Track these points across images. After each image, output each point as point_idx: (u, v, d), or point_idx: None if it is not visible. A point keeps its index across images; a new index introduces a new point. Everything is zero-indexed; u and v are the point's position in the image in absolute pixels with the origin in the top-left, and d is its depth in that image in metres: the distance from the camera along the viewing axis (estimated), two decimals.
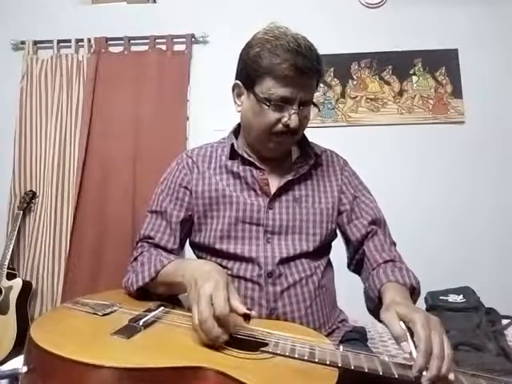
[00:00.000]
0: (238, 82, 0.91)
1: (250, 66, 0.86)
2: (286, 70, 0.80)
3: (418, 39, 2.31)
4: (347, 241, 0.98)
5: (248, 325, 0.66)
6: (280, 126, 0.86)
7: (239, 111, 0.94)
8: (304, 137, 0.99)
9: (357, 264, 0.96)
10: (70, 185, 2.27)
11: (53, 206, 2.24)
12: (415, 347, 0.58)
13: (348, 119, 2.31)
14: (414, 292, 0.81)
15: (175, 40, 2.38)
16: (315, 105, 0.90)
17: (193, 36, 2.37)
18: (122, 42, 2.39)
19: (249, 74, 0.86)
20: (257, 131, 0.89)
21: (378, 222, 0.95)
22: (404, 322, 0.62)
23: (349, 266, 1.01)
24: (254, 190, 0.92)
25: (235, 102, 0.94)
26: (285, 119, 0.85)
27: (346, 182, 0.99)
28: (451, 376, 0.56)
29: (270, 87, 0.83)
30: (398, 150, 2.26)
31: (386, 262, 0.88)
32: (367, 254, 0.91)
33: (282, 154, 0.95)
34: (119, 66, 2.36)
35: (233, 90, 0.93)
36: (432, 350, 0.57)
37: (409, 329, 0.61)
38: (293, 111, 0.84)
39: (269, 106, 0.84)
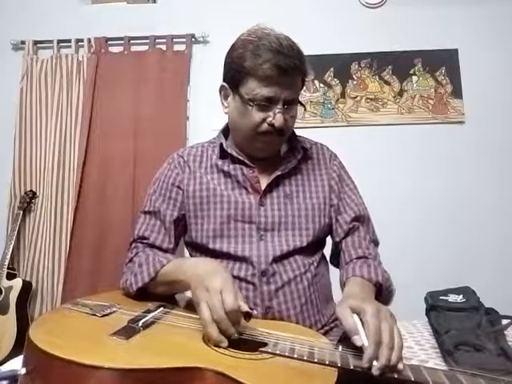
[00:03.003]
0: (224, 84, 0.92)
1: (234, 67, 0.87)
2: (267, 70, 0.81)
3: (418, 39, 2.31)
4: (331, 235, 0.99)
5: (247, 324, 0.66)
6: (265, 125, 0.86)
7: (226, 113, 0.95)
8: (292, 132, 0.99)
9: (336, 258, 0.97)
10: (70, 185, 2.27)
11: (53, 206, 2.24)
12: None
13: (348, 119, 2.30)
14: (381, 288, 0.82)
15: (175, 40, 2.38)
16: (301, 104, 0.91)
17: (193, 36, 2.38)
18: (122, 42, 2.39)
19: (233, 75, 0.88)
20: (244, 131, 0.90)
21: (361, 219, 0.96)
22: (358, 314, 0.63)
23: (331, 260, 1.01)
24: (245, 188, 0.92)
25: (222, 104, 0.95)
26: (269, 119, 0.85)
27: (335, 175, 0.99)
28: (400, 366, 0.56)
29: (253, 88, 0.84)
30: (398, 149, 2.26)
31: (358, 258, 0.89)
32: (344, 250, 0.92)
33: (270, 154, 0.95)
34: (119, 66, 2.36)
35: (220, 92, 0.94)
36: (381, 339, 0.57)
37: (362, 320, 0.61)
38: (277, 110, 0.85)
39: (252, 106, 0.85)
